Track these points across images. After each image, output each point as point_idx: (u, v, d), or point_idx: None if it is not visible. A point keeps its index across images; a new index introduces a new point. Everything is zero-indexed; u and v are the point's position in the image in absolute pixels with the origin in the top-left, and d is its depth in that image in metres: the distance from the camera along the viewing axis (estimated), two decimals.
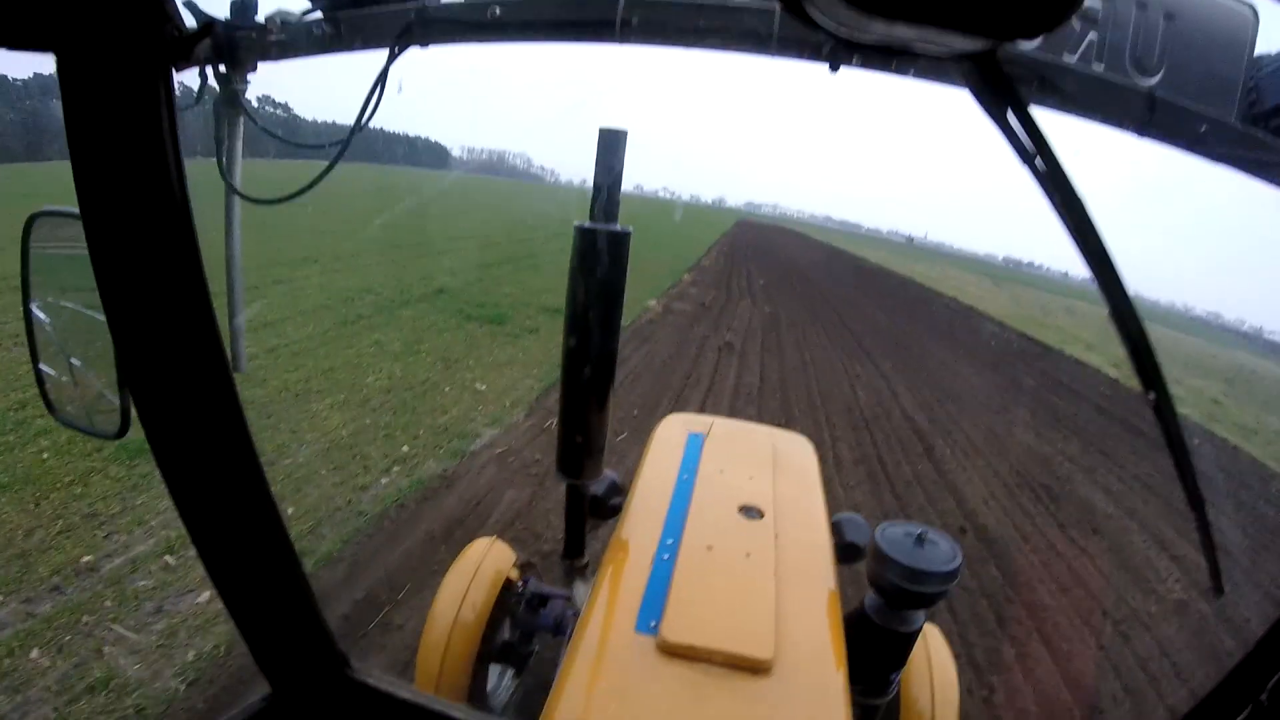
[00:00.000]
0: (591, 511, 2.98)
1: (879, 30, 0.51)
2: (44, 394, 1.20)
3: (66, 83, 0.72)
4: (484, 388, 9.03)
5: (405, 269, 16.08)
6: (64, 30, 0.72)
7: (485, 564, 3.12)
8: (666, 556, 2.20)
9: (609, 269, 2.25)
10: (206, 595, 4.53)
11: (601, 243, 2.23)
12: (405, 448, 7.06)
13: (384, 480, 6.35)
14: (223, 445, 0.92)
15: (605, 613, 1.97)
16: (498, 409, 8.38)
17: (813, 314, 18.66)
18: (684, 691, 1.66)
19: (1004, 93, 0.69)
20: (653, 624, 1.86)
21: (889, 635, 2.34)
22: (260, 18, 1.19)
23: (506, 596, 3.14)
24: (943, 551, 2.28)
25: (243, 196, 1.27)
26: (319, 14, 1.28)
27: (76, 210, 1.07)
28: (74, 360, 1.19)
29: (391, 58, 1.22)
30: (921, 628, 2.41)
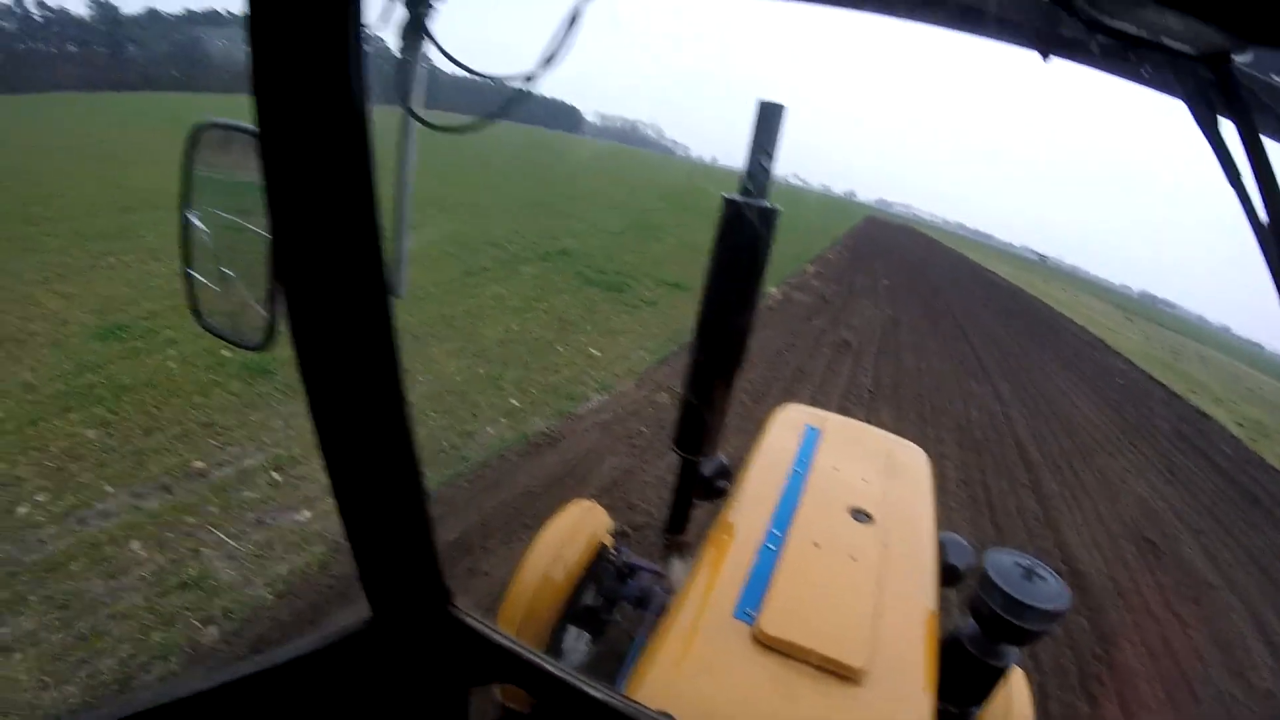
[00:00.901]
0: (687, 489, 2.94)
1: (1135, 15, 0.47)
2: (191, 298, 1.21)
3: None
4: (597, 353, 9.06)
5: (531, 227, 16.31)
6: None
7: (581, 526, 3.10)
8: (773, 547, 2.19)
9: (753, 244, 2.19)
10: (307, 515, 4.71)
11: (748, 216, 2.17)
12: (514, 401, 7.14)
13: (489, 429, 6.43)
14: (370, 365, 0.91)
15: (704, 593, 1.97)
16: (608, 376, 8.40)
17: (934, 323, 18.08)
18: (773, 685, 1.65)
19: (1232, 104, 0.64)
20: (751, 612, 1.86)
21: (979, 666, 2.28)
22: None
23: (597, 561, 3.12)
24: (1050, 589, 2.22)
25: (421, 121, 1.26)
26: None
27: (242, 123, 1.07)
28: (225, 270, 1.20)
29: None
30: (1012, 665, 2.33)
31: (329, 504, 4.78)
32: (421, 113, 1.29)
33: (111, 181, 12.61)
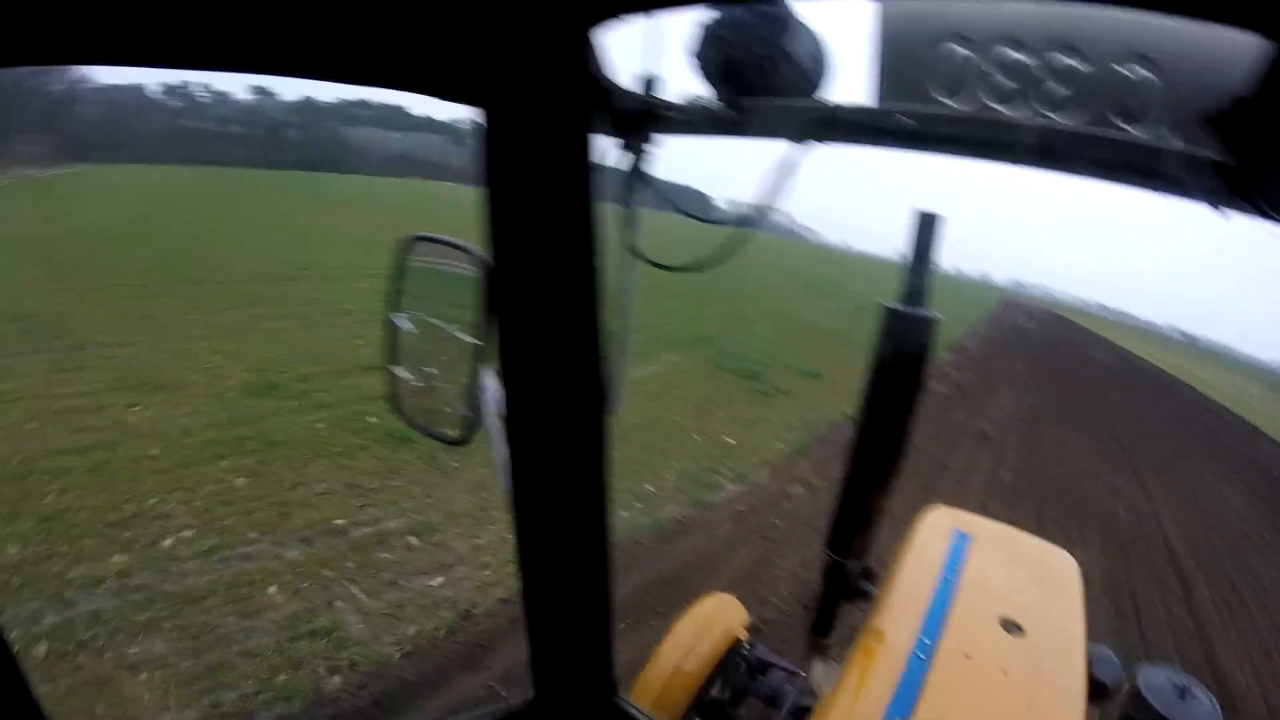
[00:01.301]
0: (836, 592, 2.89)
1: None
2: (393, 393, 1.31)
3: (493, 132, 0.78)
4: (732, 442, 8.97)
5: (668, 311, 16.31)
6: (493, 91, 0.79)
7: (717, 617, 3.06)
8: (923, 656, 2.12)
9: (912, 353, 2.19)
10: (440, 580, 4.83)
11: (906, 326, 2.17)
12: (649, 486, 7.14)
13: (624, 514, 6.44)
14: (579, 471, 0.96)
15: (852, 699, 1.93)
16: (743, 465, 8.28)
17: (1064, 404, 17.05)
18: None
19: None
20: None
21: None
22: (668, 94, 1.26)
23: (730, 655, 3.05)
24: (1204, 709, 2.13)
25: (645, 260, 1.35)
26: (723, 99, 1.34)
27: (448, 238, 1.19)
28: (428, 369, 1.30)
29: (796, 151, 1.26)
30: None
31: (461, 572, 4.93)
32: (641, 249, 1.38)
33: (269, 252, 13.49)
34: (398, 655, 4.08)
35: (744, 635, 3.17)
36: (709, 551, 6.05)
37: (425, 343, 1.26)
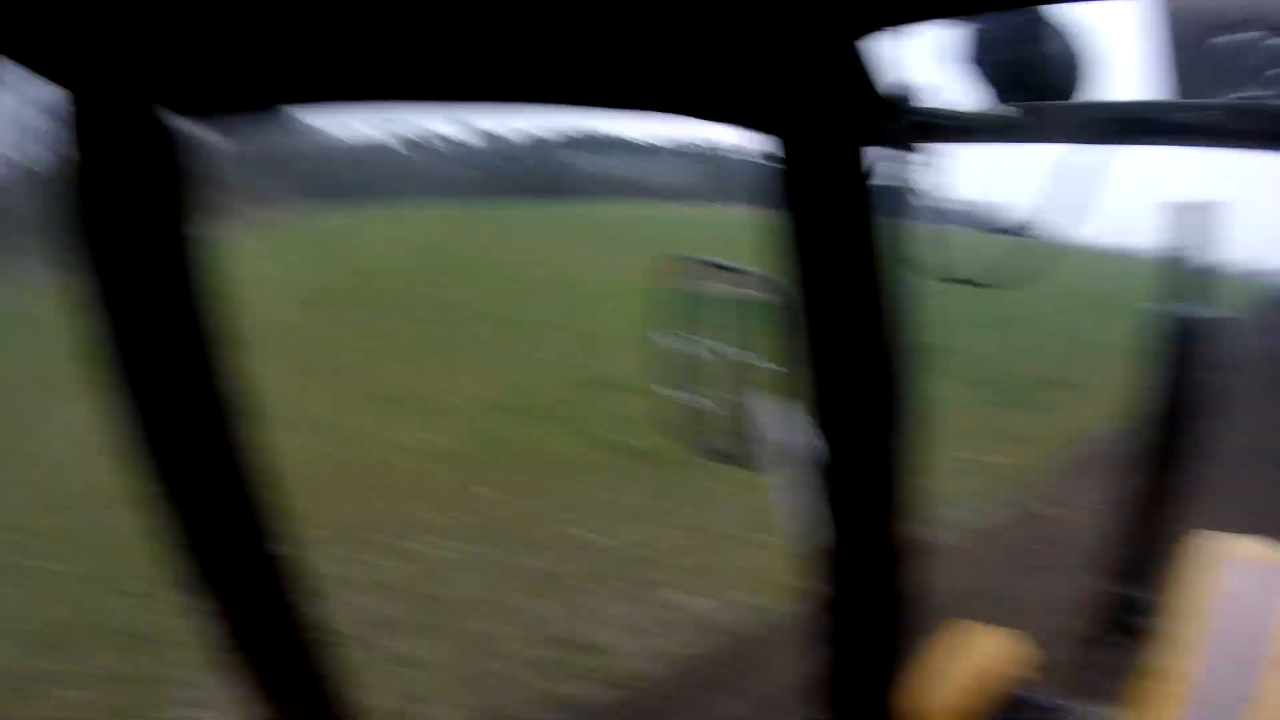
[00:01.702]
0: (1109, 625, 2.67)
1: None
2: (663, 412, 1.35)
3: (784, 157, 0.78)
4: (990, 460, 8.47)
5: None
6: (785, 117, 0.82)
7: (992, 652, 2.82)
8: (1217, 705, 1.96)
9: (1199, 358, 1.97)
10: (696, 598, 4.92)
11: (1192, 328, 1.96)
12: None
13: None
14: (885, 485, 0.95)
15: None
16: (1001, 485, 7.87)
17: None
18: None
19: None
20: None
21: None
22: (949, 103, 1.24)
23: (1007, 695, 2.87)
24: None
25: (934, 275, 1.33)
26: (1004, 104, 1.30)
27: (713, 258, 1.21)
28: (699, 388, 1.32)
29: (1087, 152, 1.19)
30: None
31: (717, 590, 4.95)
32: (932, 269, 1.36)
33: (513, 278, 14.17)
34: (652, 670, 4.19)
35: (1022, 673, 2.99)
36: (963, 577, 5.72)
37: (695, 363, 1.29)
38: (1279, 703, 1.93)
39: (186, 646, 4.32)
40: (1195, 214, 2.02)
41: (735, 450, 1.18)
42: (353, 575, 4.65)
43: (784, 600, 4.90)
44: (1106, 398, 10.57)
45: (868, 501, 0.97)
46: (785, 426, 1.19)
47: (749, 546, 5.56)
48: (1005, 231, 1.39)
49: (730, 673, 4.22)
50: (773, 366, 1.01)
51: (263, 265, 17.35)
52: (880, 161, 0.80)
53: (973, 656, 2.85)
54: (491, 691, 3.87)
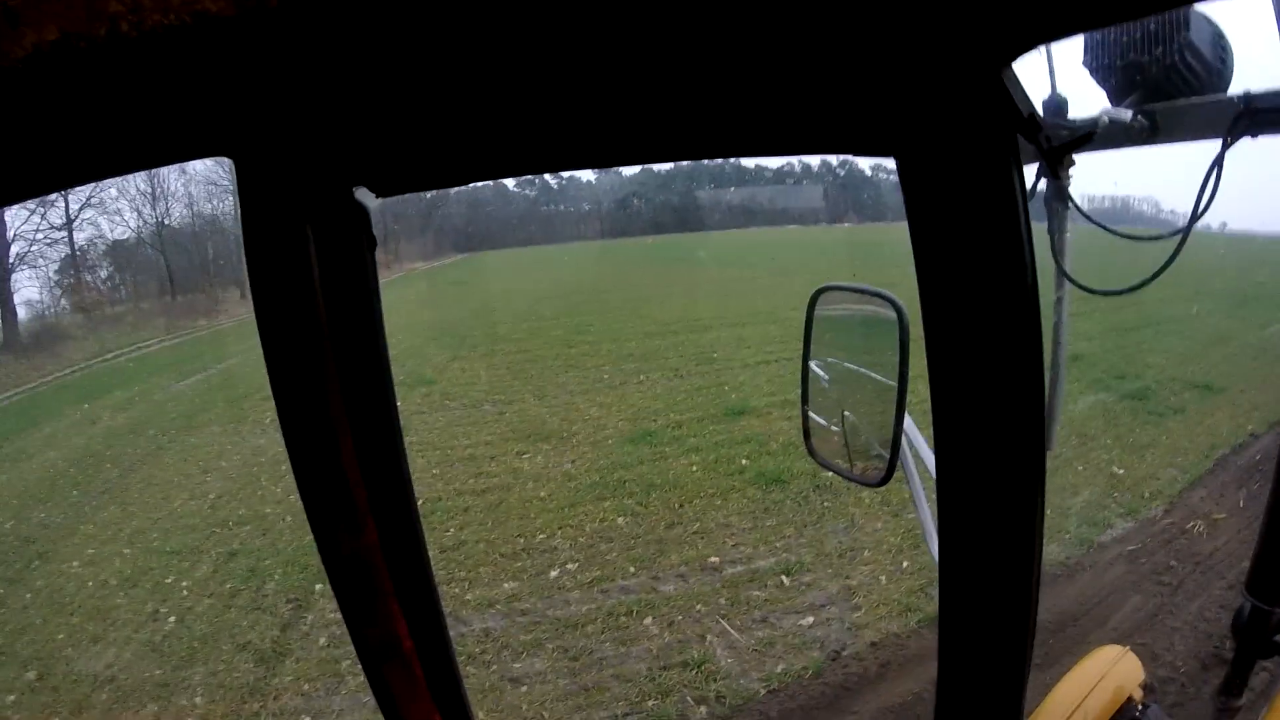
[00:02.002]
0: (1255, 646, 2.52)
1: None
2: (806, 435, 1.38)
3: (909, 180, 0.81)
4: (1121, 471, 8.03)
5: None
6: (906, 137, 0.83)
7: (1109, 675, 2.76)
8: None
9: None
10: (810, 620, 4.86)
11: None
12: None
13: None
14: (1010, 508, 0.94)
15: None
16: (1134, 499, 7.37)
17: None
18: None
19: None
20: None
21: None
22: (1077, 114, 1.24)
23: (1121, 716, 2.70)
24: None
25: (1076, 284, 1.34)
26: (1134, 108, 1.29)
27: (858, 284, 1.23)
28: (846, 413, 1.35)
29: (1225, 147, 1.17)
30: None
31: (832, 613, 4.91)
32: (1071, 275, 1.36)
33: (633, 312, 14.36)
34: (764, 691, 4.16)
35: (1139, 695, 2.79)
36: (1095, 596, 5.47)
37: (839, 388, 1.31)
38: None
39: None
40: None
41: (875, 468, 1.19)
42: (469, 595, 4.80)
43: (908, 621, 4.90)
44: (1255, 400, 9.97)
45: (996, 523, 0.96)
46: (920, 447, 1.19)
47: (880, 568, 5.52)
48: (1148, 237, 1.37)
49: (836, 695, 4.16)
50: (906, 387, 1.02)
51: (416, 310, 18.20)
52: (1020, 175, 0.81)
53: (1095, 677, 2.76)
54: (595, 707, 3.92)
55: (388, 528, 1.06)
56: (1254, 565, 2.21)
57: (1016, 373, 0.84)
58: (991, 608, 1.05)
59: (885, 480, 1.16)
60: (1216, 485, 7.50)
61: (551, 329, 12.70)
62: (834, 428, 1.35)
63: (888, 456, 1.15)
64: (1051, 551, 6.14)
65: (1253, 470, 7.02)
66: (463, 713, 1.21)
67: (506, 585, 4.84)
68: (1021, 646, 1.08)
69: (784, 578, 5.31)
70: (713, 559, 5.46)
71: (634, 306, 15.47)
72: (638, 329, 12.91)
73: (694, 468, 7.12)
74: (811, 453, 1.39)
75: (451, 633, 3.94)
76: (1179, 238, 1.28)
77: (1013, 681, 1.13)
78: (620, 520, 5.89)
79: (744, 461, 7.25)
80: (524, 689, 3.96)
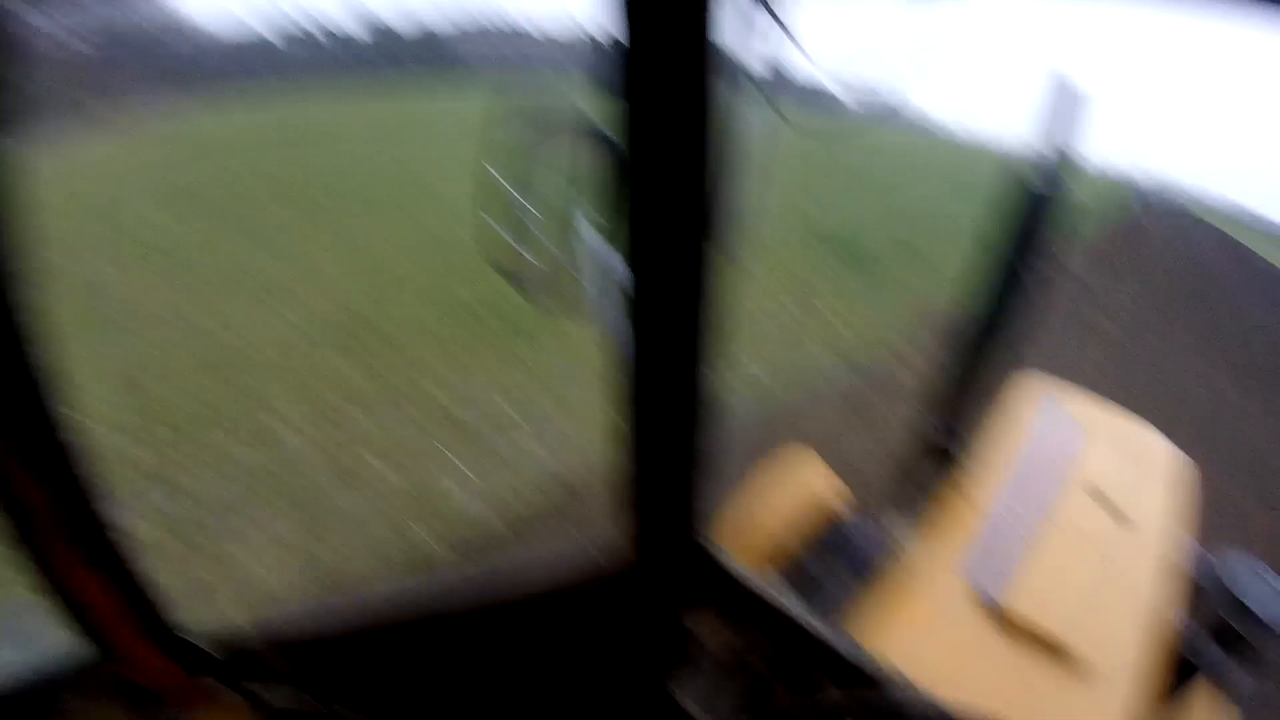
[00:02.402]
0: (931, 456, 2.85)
1: None
2: (485, 241, 1.34)
3: (627, 25, 0.78)
4: (835, 320, 8.87)
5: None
6: None
7: (802, 478, 2.99)
8: (1014, 523, 2.07)
9: (1034, 225, 2.10)
10: (534, 444, 5.15)
11: (1029, 196, 2.07)
12: (756, 370, 7.17)
13: (727, 399, 6.45)
14: (684, 317, 0.99)
15: (936, 560, 1.91)
16: (852, 349, 8.17)
17: (1200, 315, 15.77)
18: (1001, 659, 1.58)
19: None
20: (984, 585, 1.79)
21: (1204, 679, 2.09)
22: None
23: (814, 515, 2.99)
24: None
25: (780, 115, 1.28)
26: None
27: (561, 111, 1.19)
28: (538, 241, 1.34)
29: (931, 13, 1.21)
30: (1241, 685, 2.11)
31: (555, 433, 5.22)
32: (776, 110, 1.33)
33: (361, 163, 13.36)
34: (496, 515, 4.37)
35: (830, 499, 3.09)
36: (809, 432, 6.12)
37: (535, 216, 1.31)
38: (1067, 521, 2.12)
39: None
40: (1060, 91, 2.11)
41: (568, 300, 1.20)
42: (201, 457, 4.60)
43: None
44: (951, 266, 11.05)
45: (675, 327, 1.02)
46: (613, 276, 1.24)
47: (583, 387, 5.87)
48: (846, 99, 1.42)
49: (560, 516, 4.49)
50: (602, 220, 1.00)
51: (119, 164, 16.07)
52: (717, 23, 0.81)
53: (794, 484, 2.95)
54: (339, 553, 3.99)
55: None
56: (931, 390, 2.50)
57: (692, 179, 0.88)
58: (671, 406, 1.12)
59: (576, 307, 1.17)
60: (924, 336, 8.40)
61: (295, 185, 11.68)
62: (530, 256, 1.34)
63: (580, 281, 1.16)
64: (764, 392, 6.77)
65: (945, 319, 7.92)
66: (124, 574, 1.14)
67: (235, 449, 4.61)
68: (694, 445, 1.17)
69: (508, 407, 5.56)
70: (441, 397, 5.56)
71: (361, 158, 14.46)
72: (369, 180, 12.18)
73: (427, 311, 7.13)
74: (510, 280, 1.37)
75: (175, 509, 3.73)
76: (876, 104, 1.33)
77: (688, 478, 1.22)
78: (351, 369, 5.74)
79: (471, 298, 7.37)
80: (257, 548, 3.91)
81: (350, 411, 5.32)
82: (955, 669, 1.52)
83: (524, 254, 1.36)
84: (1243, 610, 1.99)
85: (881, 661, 1.23)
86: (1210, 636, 2.09)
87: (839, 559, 3.05)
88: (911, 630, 1.62)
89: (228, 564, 3.83)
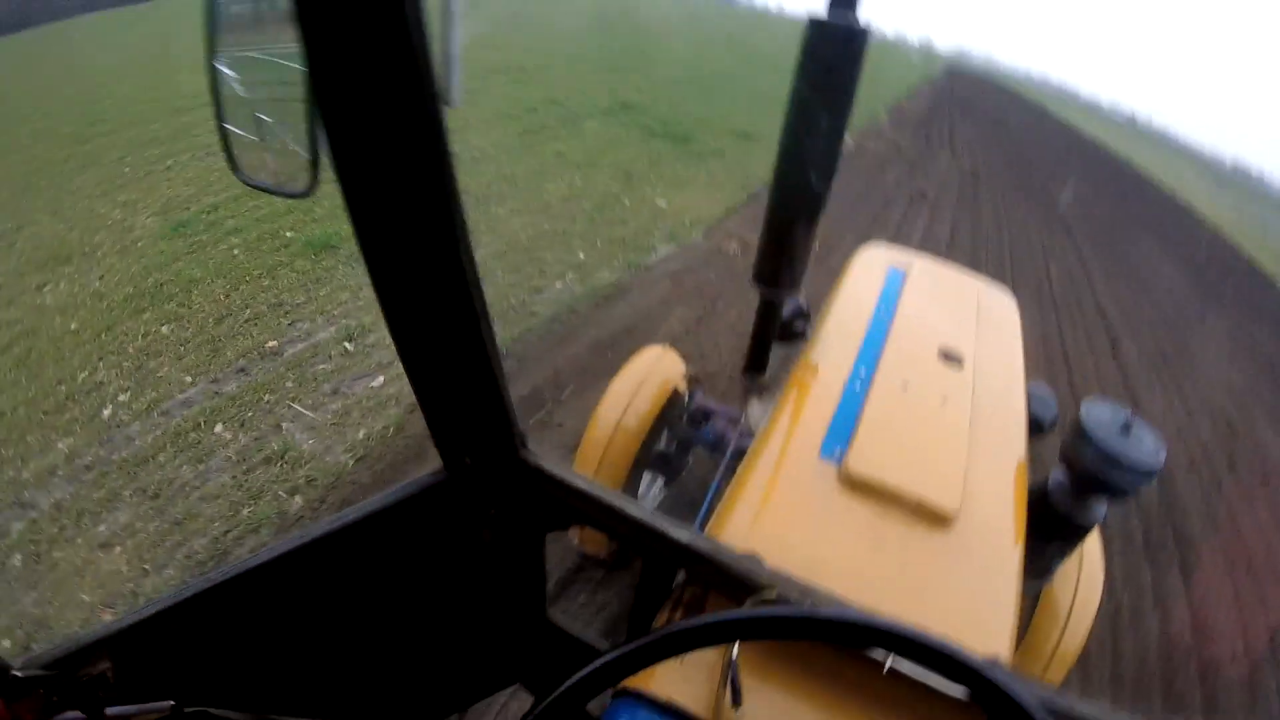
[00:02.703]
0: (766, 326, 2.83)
1: None
2: (228, 153, 1.12)
3: None
4: (664, 204, 8.83)
5: (591, 83, 15.32)
6: None
7: (654, 371, 3.06)
8: (858, 388, 2.09)
9: (840, 68, 1.97)
10: (381, 380, 4.89)
11: (834, 37, 1.94)
12: (581, 255, 7.10)
13: (557, 285, 6.45)
14: (424, 191, 0.84)
15: (787, 434, 1.89)
16: (675, 226, 8.23)
17: (1005, 173, 16.85)
18: (860, 526, 1.59)
19: None
20: (838, 453, 1.79)
21: (1065, 522, 2.24)
22: None
23: (671, 406, 3.07)
24: (1147, 445, 2.13)
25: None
26: None
27: None
28: (262, 116, 1.11)
29: None
30: (1099, 522, 2.28)
31: (399, 368, 4.85)
32: None
33: (154, 88, 12.34)
34: (351, 461, 4.15)
35: (683, 386, 3.19)
36: (644, 312, 6.16)
37: (255, 85, 1.08)
38: (892, 373, 2.17)
39: None
40: None
41: (303, 176, 0.99)
42: (25, 474, 4.11)
43: None
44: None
45: (403, 183, 0.84)
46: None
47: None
48: None
49: (420, 443, 4.35)
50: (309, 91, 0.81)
51: None
52: None
53: (642, 376, 3.01)
54: (193, 537, 3.68)
55: None
56: (757, 259, 2.42)
57: (396, 29, 0.70)
58: (435, 306, 0.97)
59: (311, 189, 0.97)
60: (750, 214, 8.60)
61: (55, 125, 10.44)
62: (253, 138, 1.11)
63: (309, 158, 0.96)
64: (603, 275, 6.77)
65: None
66: None
67: (61, 445, 4.14)
68: (481, 335, 1.02)
69: (347, 344, 5.21)
70: (271, 343, 5.12)
71: (154, 80, 13.22)
72: (163, 106, 11.07)
73: (236, 250, 6.43)
74: (236, 173, 1.14)
75: (20, 524, 3.38)
76: None
77: (491, 391, 1.11)
78: (165, 329, 5.20)
79: (289, 234, 6.76)
80: (117, 550, 3.50)
81: (172, 374, 4.83)
82: (816, 544, 1.53)
83: (241, 132, 1.13)
84: (1099, 450, 2.08)
85: (739, 555, 1.22)
86: (1070, 478, 2.22)
87: (707, 450, 3.21)
88: (771, 511, 1.62)
89: (73, 575, 3.44)
